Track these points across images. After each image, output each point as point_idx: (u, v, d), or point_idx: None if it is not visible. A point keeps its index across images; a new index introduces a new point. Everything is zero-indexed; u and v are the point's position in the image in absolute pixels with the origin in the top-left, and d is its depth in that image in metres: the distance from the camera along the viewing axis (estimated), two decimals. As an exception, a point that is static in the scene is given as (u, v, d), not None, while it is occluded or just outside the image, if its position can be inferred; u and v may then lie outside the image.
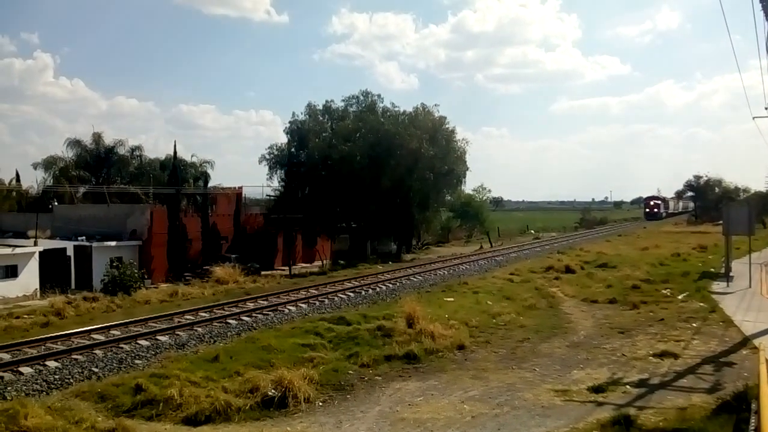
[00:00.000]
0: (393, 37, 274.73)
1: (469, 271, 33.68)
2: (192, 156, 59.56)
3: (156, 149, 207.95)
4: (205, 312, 21.30)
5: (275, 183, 45.92)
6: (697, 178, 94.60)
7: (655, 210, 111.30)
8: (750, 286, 25.21)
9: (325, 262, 42.99)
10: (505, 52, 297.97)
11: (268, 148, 45.96)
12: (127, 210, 40.02)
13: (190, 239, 39.48)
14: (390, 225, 45.74)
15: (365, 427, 10.90)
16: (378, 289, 26.50)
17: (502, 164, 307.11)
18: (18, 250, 31.23)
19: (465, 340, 16.93)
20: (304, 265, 44.26)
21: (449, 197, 53.07)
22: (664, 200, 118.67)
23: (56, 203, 46.77)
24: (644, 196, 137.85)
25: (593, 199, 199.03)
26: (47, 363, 14.85)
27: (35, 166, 53.79)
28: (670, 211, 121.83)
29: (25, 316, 22.41)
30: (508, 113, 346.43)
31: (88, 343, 16.78)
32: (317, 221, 43.80)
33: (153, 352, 16.16)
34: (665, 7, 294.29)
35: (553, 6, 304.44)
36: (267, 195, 47.68)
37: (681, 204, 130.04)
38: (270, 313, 21.18)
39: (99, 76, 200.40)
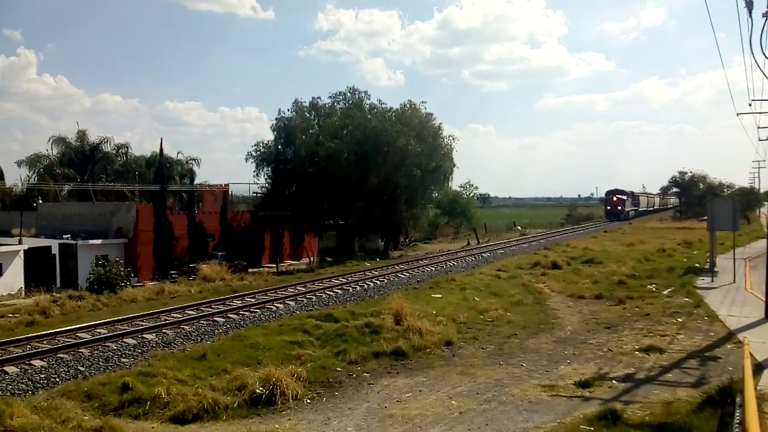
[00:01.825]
0: (379, 34, 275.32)
1: (457, 268, 33.77)
2: (178, 153, 59.47)
3: (141, 147, 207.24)
4: (192, 310, 21.21)
5: (262, 180, 45.90)
6: (682, 174, 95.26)
7: (618, 208, 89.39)
8: (734, 281, 25.46)
9: (312, 259, 42.96)
10: (491, 49, 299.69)
11: (255, 145, 45.93)
12: (112, 208, 39.80)
13: (176, 237, 39.33)
14: (377, 222, 45.81)
15: (353, 423, 10.91)
16: (365, 286, 26.52)
17: (488, 161, 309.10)
18: (2, 249, 30.96)
19: (452, 336, 16.98)
20: (291, 262, 44.23)
21: (436, 194, 53.26)
22: (633, 195, 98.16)
23: (41, 201, 46.42)
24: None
25: (579, 195, 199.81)
26: (33, 362, 14.73)
27: (19, 163, 53.46)
28: (642, 209, 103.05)
29: (10, 315, 22.19)
30: (495, 110, 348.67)
31: (74, 341, 16.66)
32: (304, 218, 43.78)
33: (140, 351, 16.08)
34: (650, 4, 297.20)
35: (539, 2, 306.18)
36: (254, 192, 47.65)
37: (658, 200, 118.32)
38: (257, 310, 21.13)
39: (83, 73, 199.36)
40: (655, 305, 21.40)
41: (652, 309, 20.73)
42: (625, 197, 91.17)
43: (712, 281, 25.89)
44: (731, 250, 28.52)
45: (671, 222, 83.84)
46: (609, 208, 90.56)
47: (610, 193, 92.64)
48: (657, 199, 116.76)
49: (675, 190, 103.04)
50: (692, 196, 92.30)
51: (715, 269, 27.50)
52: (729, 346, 15.10)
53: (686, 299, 22.02)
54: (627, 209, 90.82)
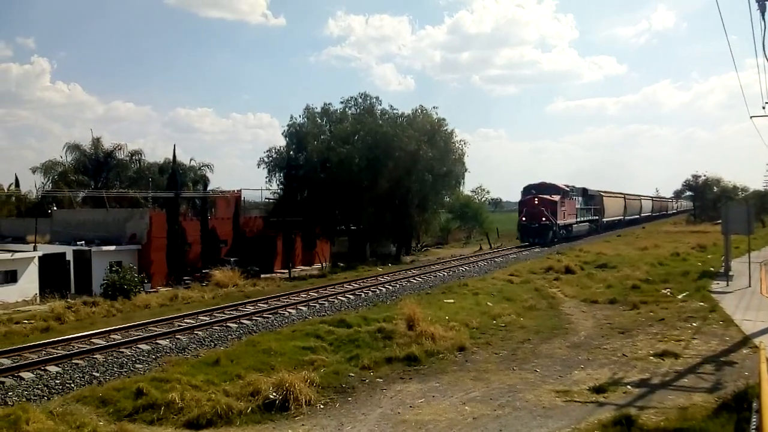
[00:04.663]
0: (389, 39, 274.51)
1: (469, 273, 33.66)
2: (191, 160, 59.89)
3: (154, 153, 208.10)
4: (206, 316, 21.31)
5: (274, 186, 46.07)
6: (696, 177, 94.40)
7: (542, 219, 47.90)
8: (749, 285, 25.21)
9: (324, 264, 43.03)
10: (501, 53, 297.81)
11: (267, 151, 46.05)
12: (126, 214, 40.10)
13: (189, 243, 39.53)
14: (389, 227, 45.81)
15: (367, 429, 10.90)
16: (378, 291, 26.50)
17: (500, 165, 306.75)
18: (17, 255, 31.23)
19: (465, 341, 16.92)
20: (303, 267, 44.31)
21: (448, 198, 53.19)
22: (586, 195, 57.14)
23: (55, 208, 46.84)
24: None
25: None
26: (48, 368, 14.84)
27: (34, 170, 53.99)
28: (609, 218, 63.62)
29: (25, 321, 22.39)
30: (505, 114, 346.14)
31: (88, 347, 16.76)
32: (316, 224, 43.88)
33: (154, 356, 16.16)
34: (661, 7, 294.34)
35: (550, 6, 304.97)
36: (266, 198, 47.88)
37: (650, 204, 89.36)
38: (270, 316, 21.18)
39: (96, 81, 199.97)
40: (669, 310, 21.22)
41: (666, 313, 20.55)
42: (556, 199, 49.12)
43: (727, 285, 25.63)
44: (746, 254, 28.24)
45: (685, 226, 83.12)
46: (524, 219, 49.45)
47: (529, 190, 50.19)
48: (648, 203, 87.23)
49: (689, 193, 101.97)
50: (706, 199, 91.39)
51: (730, 273, 27.23)
52: (745, 351, 14.94)
53: (701, 303, 21.81)
54: (562, 221, 50.34)
